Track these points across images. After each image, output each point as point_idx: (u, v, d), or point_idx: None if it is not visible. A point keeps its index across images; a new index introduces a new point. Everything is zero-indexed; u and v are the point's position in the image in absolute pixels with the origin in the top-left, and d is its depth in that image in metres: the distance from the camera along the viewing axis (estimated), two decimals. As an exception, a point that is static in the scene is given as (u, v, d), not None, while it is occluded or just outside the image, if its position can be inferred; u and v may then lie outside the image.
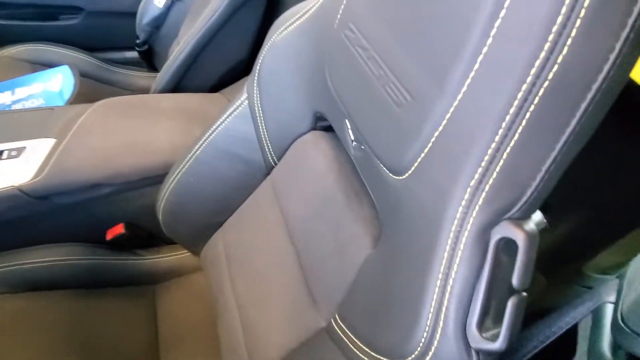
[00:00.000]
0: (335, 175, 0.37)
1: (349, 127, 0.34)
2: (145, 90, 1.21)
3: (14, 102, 0.85)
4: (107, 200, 0.64)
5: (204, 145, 0.49)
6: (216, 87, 0.91)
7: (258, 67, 0.42)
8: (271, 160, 0.46)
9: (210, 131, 0.48)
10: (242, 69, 0.95)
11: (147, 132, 0.66)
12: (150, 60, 1.18)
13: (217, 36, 0.79)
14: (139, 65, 1.25)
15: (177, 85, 0.87)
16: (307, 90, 0.39)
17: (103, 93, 1.12)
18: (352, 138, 0.33)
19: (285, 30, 0.39)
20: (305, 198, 0.39)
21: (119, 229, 0.67)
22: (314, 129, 0.42)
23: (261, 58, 0.41)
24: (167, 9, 1.04)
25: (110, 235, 0.68)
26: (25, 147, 0.61)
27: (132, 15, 1.08)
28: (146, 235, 0.72)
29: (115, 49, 1.23)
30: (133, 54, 1.22)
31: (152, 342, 0.64)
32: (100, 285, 0.68)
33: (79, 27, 1.14)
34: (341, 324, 0.34)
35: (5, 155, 0.59)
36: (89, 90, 0.96)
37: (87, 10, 1.13)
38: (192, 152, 0.51)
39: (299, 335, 0.38)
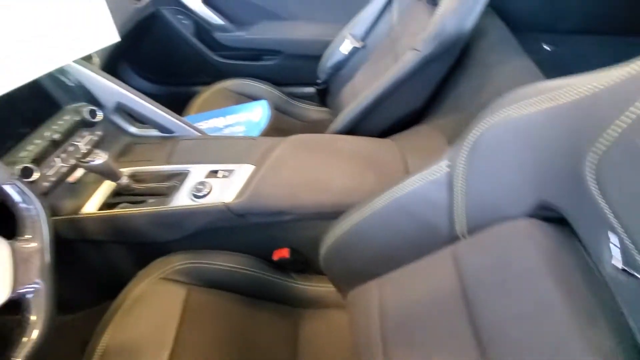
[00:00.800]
0: (557, 280, 0.32)
1: (615, 243, 0.28)
2: (316, 122, 1.36)
3: (225, 127, 1.06)
4: (284, 226, 0.72)
5: (387, 200, 0.50)
6: (385, 132, 0.95)
7: (474, 139, 0.40)
8: (459, 233, 0.44)
9: (398, 188, 0.49)
10: (413, 117, 0.97)
11: (327, 171, 0.73)
12: (323, 96, 1.32)
13: (402, 87, 0.83)
14: (310, 99, 1.41)
15: (353, 128, 0.93)
16: (536, 175, 0.35)
17: (284, 123, 1.30)
18: (619, 259, 0.29)
19: (526, 107, 0.36)
20: (503, 292, 0.35)
21: (285, 253, 0.75)
22: (530, 215, 0.37)
23: (480, 130, 0.39)
24: (350, 54, 1.15)
25: (276, 256, 0.76)
26: (233, 170, 0.74)
27: (317, 57, 1.23)
28: (304, 262, 0.78)
29: (297, 85, 1.42)
30: (309, 90, 1.39)
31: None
32: (259, 297, 0.76)
33: (275, 66, 1.36)
34: None
35: (220, 174, 0.73)
36: (276, 120, 1.13)
37: (285, 53, 1.33)
38: (373, 202, 0.53)
39: None
